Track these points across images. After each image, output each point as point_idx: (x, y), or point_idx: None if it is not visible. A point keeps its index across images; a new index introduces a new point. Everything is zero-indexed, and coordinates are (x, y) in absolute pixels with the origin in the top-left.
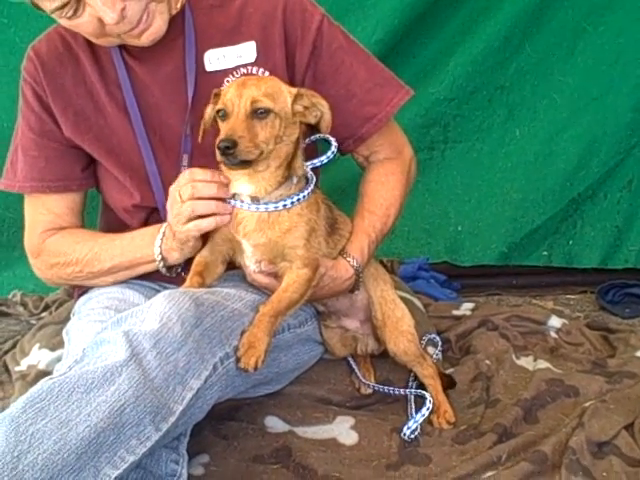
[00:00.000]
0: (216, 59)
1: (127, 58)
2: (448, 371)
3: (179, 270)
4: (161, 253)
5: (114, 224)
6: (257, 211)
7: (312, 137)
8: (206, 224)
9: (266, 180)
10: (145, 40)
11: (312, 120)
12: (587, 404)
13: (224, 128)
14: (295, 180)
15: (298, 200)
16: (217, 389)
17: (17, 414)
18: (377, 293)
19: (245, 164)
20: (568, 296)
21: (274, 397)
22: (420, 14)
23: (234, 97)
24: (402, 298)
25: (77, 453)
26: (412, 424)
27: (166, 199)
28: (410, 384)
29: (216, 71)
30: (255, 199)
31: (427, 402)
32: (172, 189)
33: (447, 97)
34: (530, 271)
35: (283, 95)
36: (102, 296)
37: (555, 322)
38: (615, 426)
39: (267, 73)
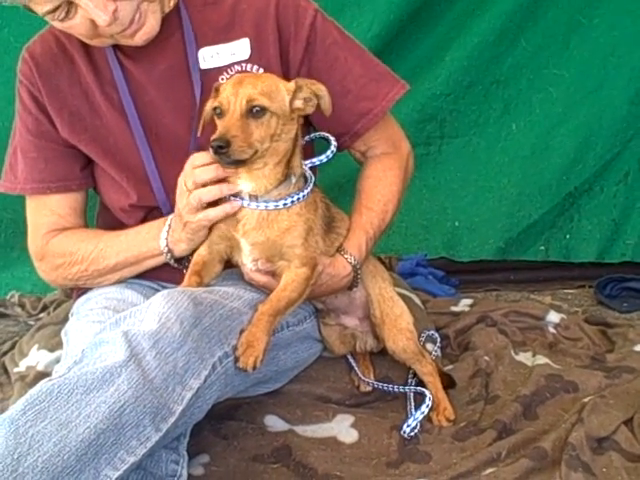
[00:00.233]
0: (210, 57)
1: (121, 58)
2: (447, 368)
3: (188, 261)
4: (167, 245)
5: (111, 224)
6: (257, 209)
7: (310, 135)
8: (213, 214)
9: (266, 177)
10: (138, 40)
11: (310, 110)
12: (586, 399)
13: (219, 127)
14: (294, 179)
15: (298, 199)
16: (216, 388)
17: (17, 416)
18: (375, 291)
19: (239, 163)
20: (566, 291)
21: (273, 396)
22: (415, 9)
23: (230, 95)
24: (401, 295)
25: (77, 455)
26: (412, 422)
27: (166, 197)
28: (409, 381)
29: (210, 69)
30: (254, 197)
31: (426, 399)
32: (180, 179)
33: (443, 92)
34: (528, 266)
35: (280, 93)
36: (101, 296)
37: (553, 317)
38: (614, 421)
39: (261, 70)
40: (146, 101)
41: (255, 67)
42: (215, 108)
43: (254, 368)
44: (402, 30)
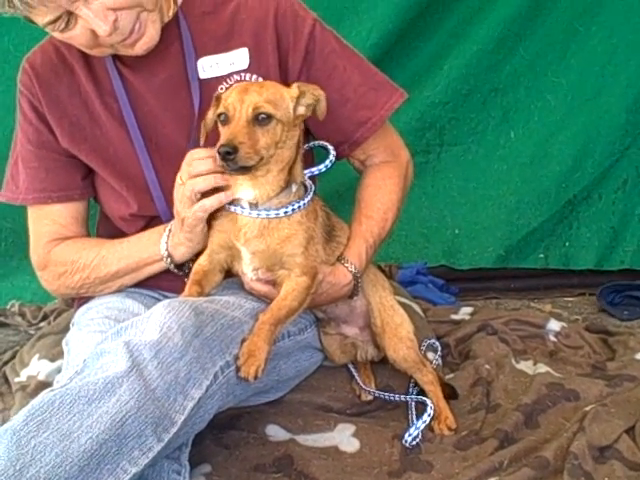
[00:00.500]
0: (209, 66)
1: (121, 68)
2: (448, 376)
3: (189, 268)
4: (167, 249)
5: (112, 234)
6: (257, 217)
7: (310, 144)
8: (209, 203)
9: (269, 184)
10: (139, 49)
11: (310, 113)
12: (588, 408)
13: (225, 133)
14: (294, 188)
15: (299, 207)
16: (218, 398)
17: (19, 427)
18: (376, 299)
19: (245, 170)
20: (566, 298)
21: (275, 405)
22: (414, 18)
23: (236, 102)
24: (401, 303)
25: (79, 465)
26: (413, 431)
27: (166, 206)
28: (410, 390)
29: (209, 78)
30: (254, 205)
31: (428, 408)
32: (177, 177)
33: (442, 100)
34: (527, 274)
35: (285, 101)
36: (101, 306)
37: (554, 325)
38: (616, 430)
39: (260, 79)
40: (146, 111)
41: (254, 76)
42: (220, 115)
43: (256, 377)
44: (401, 39)
